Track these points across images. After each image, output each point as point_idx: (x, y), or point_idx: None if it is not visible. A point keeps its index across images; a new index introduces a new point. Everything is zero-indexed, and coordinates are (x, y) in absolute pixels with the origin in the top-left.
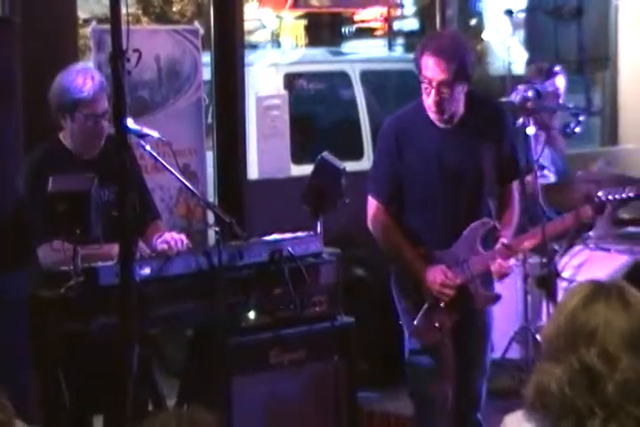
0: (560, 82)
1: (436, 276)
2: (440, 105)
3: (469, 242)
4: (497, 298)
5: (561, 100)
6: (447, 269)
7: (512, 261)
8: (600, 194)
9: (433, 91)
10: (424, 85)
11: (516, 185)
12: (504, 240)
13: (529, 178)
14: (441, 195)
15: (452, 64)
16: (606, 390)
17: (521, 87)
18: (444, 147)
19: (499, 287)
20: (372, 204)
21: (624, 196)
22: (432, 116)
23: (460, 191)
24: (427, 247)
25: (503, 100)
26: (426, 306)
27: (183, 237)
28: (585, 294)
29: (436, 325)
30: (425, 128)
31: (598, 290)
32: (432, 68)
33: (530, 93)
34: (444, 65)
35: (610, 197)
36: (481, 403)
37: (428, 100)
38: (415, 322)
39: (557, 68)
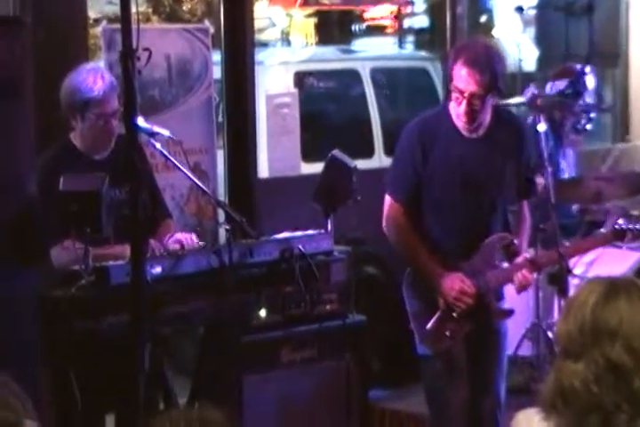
0: (590, 82)
1: (454, 283)
2: (470, 115)
3: (486, 255)
4: (510, 313)
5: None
6: (464, 277)
7: (535, 275)
8: (621, 222)
9: (464, 101)
10: (455, 95)
11: (526, 203)
12: (527, 255)
13: (540, 180)
14: (460, 202)
15: (485, 76)
16: (634, 385)
17: (558, 83)
18: (467, 155)
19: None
20: (389, 203)
21: None
22: (460, 124)
23: (479, 200)
24: (442, 253)
25: (514, 97)
26: (438, 314)
27: (194, 236)
28: (603, 291)
29: (448, 334)
30: (450, 135)
31: (616, 287)
32: (465, 80)
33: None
34: (478, 77)
35: (631, 227)
36: (501, 403)
37: (459, 110)
38: (427, 327)
39: (588, 69)
